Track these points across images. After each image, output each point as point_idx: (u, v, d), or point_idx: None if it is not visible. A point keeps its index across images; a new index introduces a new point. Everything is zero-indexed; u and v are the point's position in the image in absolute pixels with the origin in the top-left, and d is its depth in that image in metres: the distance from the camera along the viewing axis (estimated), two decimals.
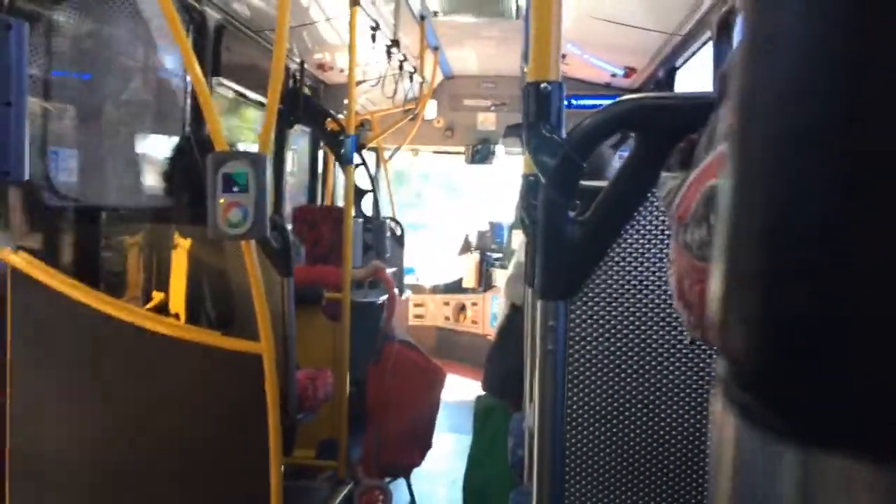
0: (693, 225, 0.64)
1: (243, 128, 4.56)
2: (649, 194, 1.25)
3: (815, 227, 0.22)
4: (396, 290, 5.17)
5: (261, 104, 4.10)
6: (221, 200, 2.04)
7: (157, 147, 3.41)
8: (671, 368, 1.26)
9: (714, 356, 1.25)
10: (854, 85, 0.21)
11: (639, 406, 1.26)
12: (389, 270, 4.96)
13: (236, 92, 3.97)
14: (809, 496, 0.22)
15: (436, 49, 5.20)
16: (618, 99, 1.29)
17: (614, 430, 1.27)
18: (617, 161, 2.56)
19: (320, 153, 5.48)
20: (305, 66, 4.43)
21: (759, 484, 0.23)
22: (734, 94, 0.26)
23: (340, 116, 4.13)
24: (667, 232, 1.25)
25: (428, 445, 3.81)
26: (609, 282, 1.27)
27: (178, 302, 2.55)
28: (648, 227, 1.26)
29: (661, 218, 1.26)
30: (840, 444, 0.21)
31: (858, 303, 0.21)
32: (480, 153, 6.33)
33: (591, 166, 1.31)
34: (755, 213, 0.24)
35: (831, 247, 0.22)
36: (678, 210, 0.68)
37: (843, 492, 0.21)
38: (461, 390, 5.54)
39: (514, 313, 2.93)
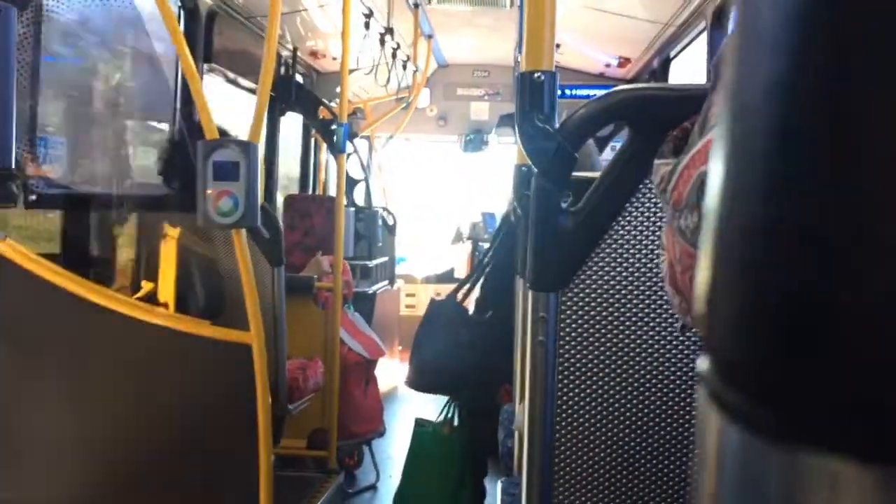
0: (687, 211, 0.64)
1: None
2: (642, 185, 1.25)
3: (806, 219, 0.22)
4: (387, 281, 5.17)
5: (252, 91, 4.07)
6: (211, 189, 2.03)
7: (147, 134, 3.39)
8: (661, 360, 1.26)
9: (701, 345, 1.24)
10: (841, 76, 0.21)
11: (629, 397, 1.26)
12: (381, 260, 4.95)
13: (228, 79, 3.94)
14: (796, 498, 0.22)
15: (429, 37, 5.17)
16: (612, 89, 1.28)
17: (604, 420, 1.27)
18: (610, 153, 2.56)
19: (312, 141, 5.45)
20: (298, 53, 4.40)
21: (745, 484, 0.23)
22: (725, 83, 0.25)
23: (333, 104, 4.11)
24: (658, 224, 1.25)
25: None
26: (600, 272, 1.27)
27: (167, 291, 2.53)
28: (640, 218, 1.26)
29: (654, 209, 1.25)
30: (829, 444, 0.21)
31: (851, 298, 0.21)
32: (473, 142, 6.32)
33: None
34: (743, 206, 0.23)
35: (824, 239, 0.21)
36: (672, 196, 0.67)
37: (831, 494, 0.21)
38: None
39: (435, 307, 2.96)
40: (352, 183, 4.95)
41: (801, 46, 0.22)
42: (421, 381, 2.92)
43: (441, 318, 2.89)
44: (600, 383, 1.27)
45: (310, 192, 5.39)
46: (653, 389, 1.26)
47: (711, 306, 0.24)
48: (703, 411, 0.25)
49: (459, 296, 2.97)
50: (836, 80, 0.21)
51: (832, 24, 0.21)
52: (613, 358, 1.26)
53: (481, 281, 3.08)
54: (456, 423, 2.94)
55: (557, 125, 1.30)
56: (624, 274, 1.26)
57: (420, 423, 2.98)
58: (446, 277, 7.38)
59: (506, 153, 6.02)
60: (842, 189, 0.21)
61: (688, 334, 1.24)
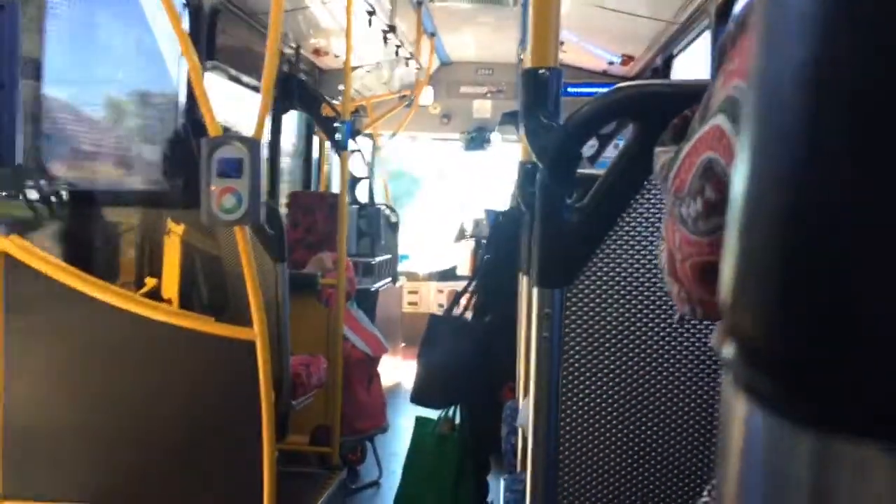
0: (689, 198, 0.63)
1: None
2: (646, 181, 1.25)
3: (842, 202, 0.22)
4: (390, 278, 5.17)
5: (255, 89, 4.07)
6: (214, 186, 2.03)
7: (151, 131, 3.39)
8: (666, 355, 1.26)
9: (706, 340, 1.25)
10: (876, 57, 0.21)
11: (634, 393, 1.26)
12: (383, 257, 4.96)
13: (230, 76, 3.95)
14: (825, 484, 0.22)
15: (432, 35, 5.17)
16: (616, 86, 1.28)
17: (609, 416, 1.27)
18: (613, 151, 2.55)
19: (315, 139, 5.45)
20: (301, 50, 4.40)
21: (772, 470, 0.23)
22: (751, 66, 0.25)
23: (336, 102, 4.11)
24: (664, 220, 1.25)
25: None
26: (605, 269, 1.27)
27: (170, 287, 2.54)
28: (646, 214, 1.26)
29: (658, 205, 1.25)
30: (859, 430, 0.21)
31: (885, 283, 0.21)
32: (476, 140, 6.32)
33: None
34: (774, 192, 0.23)
35: (859, 223, 0.21)
36: (674, 184, 0.67)
37: (861, 480, 0.21)
38: None
39: (434, 322, 2.98)
40: (354, 180, 4.96)
41: (833, 27, 0.21)
42: (427, 398, 2.95)
43: (441, 333, 2.90)
44: (605, 379, 1.27)
45: (312, 189, 5.39)
46: (657, 385, 1.26)
47: (740, 293, 0.24)
48: (727, 397, 0.25)
49: (463, 301, 2.97)
50: (871, 61, 0.21)
51: (865, 5, 0.21)
52: (618, 354, 1.26)
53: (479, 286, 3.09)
54: (457, 421, 2.94)
55: (562, 122, 1.30)
56: (629, 270, 1.26)
57: (420, 421, 2.99)
58: (449, 275, 7.39)
59: (508, 151, 6.02)
60: (875, 173, 0.21)
61: (685, 325, 1.24)
